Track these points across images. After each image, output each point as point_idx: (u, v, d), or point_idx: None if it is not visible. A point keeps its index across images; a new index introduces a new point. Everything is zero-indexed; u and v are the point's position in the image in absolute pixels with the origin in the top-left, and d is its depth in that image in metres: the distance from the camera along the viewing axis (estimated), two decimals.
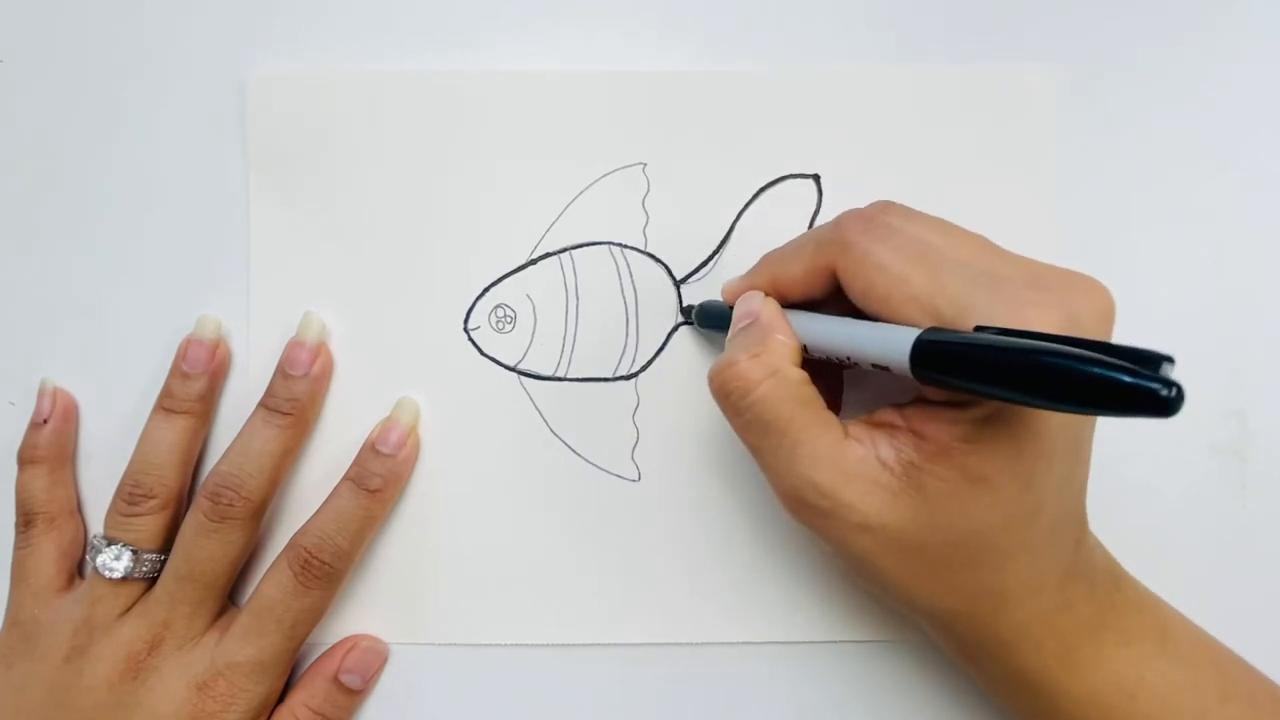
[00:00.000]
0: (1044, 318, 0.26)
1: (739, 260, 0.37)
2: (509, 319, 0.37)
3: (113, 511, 0.35)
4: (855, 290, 0.29)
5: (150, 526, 0.35)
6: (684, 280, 0.37)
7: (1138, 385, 0.21)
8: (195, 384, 0.36)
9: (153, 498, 0.35)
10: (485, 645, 0.37)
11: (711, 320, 0.36)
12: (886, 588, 0.29)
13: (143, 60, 0.38)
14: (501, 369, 0.37)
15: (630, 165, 0.37)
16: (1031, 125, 0.37)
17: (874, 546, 0.28)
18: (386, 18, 0.38)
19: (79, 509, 0.37)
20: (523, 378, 0.37)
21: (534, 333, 0.37)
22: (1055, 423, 0.27)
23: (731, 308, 0.33)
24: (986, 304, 0.27)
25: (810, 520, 0.29)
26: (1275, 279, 0.37)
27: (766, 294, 0.32)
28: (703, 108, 0.37)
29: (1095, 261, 0.37)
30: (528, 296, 0.37)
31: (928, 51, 0.38)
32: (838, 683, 0.37)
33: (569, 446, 0.37)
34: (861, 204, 0.31)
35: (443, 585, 0.37)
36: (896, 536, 0.28)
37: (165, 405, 0.36)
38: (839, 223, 0.30)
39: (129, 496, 0.35)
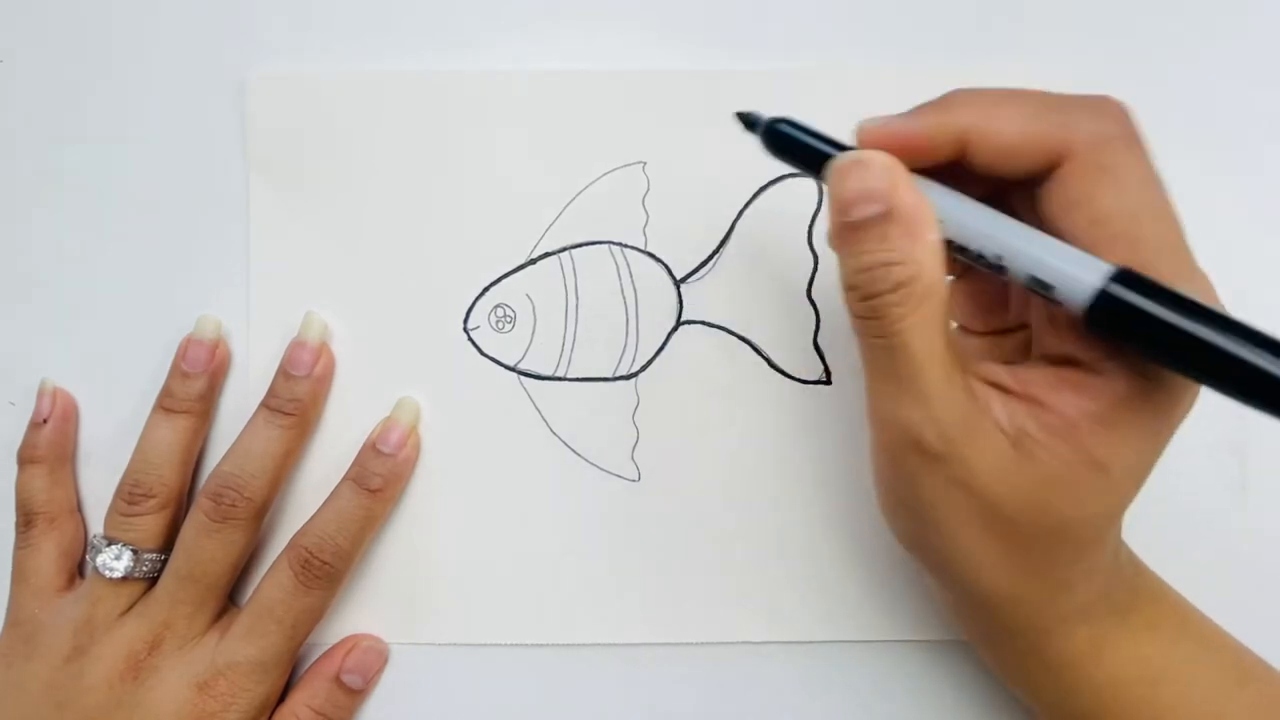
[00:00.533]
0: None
1: (739, 260, 0.37)
2: (509, 319, 0.37)
3: (113, 511, 0.35)
4: (1071, 194, 0.24)
5: (150, 526, 0.35)
6: (684, 280, 0.37)
7: None
8: (195, 384, 0.36)
9: (153, 497, 0.35)
10: (485, 645, 0.37)
11: (796, 152, 0.27)
12: (949, 556, 0.27)
13: (143, 60, 0.38)
14: (501, 369, 0.37)
15: (630, 164, 0.37)
16: None
17: (965, 508, 0.25)
18: (386, 18, 0.38)
19: (79, 509, 0.37)
20: (523, 378, 0.37)
21: (534, 332, 0.37)
22: (1186, 406, 0.25)
23: (828, 149, 0.26)
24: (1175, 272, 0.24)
25: (914, 464, 0.26)
26: (1276, 279, 0.37)
27: (944, 150, 0.25)
28: (703, 107, 0.37)
29: None
30: (528, 296, 0.37)
31: (929, 51, 0.38)
32: (838, 683, 0.37)
33: (569, 446, 0.37)
34: None
35: (443, 585, 0.37)
36: (994, 506, 0.25)
37: (165, 405, 0.36)
38: (1082, 105, 0.24)
39: (129, 496, 0.35)
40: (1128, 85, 0.37)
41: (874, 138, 0.25)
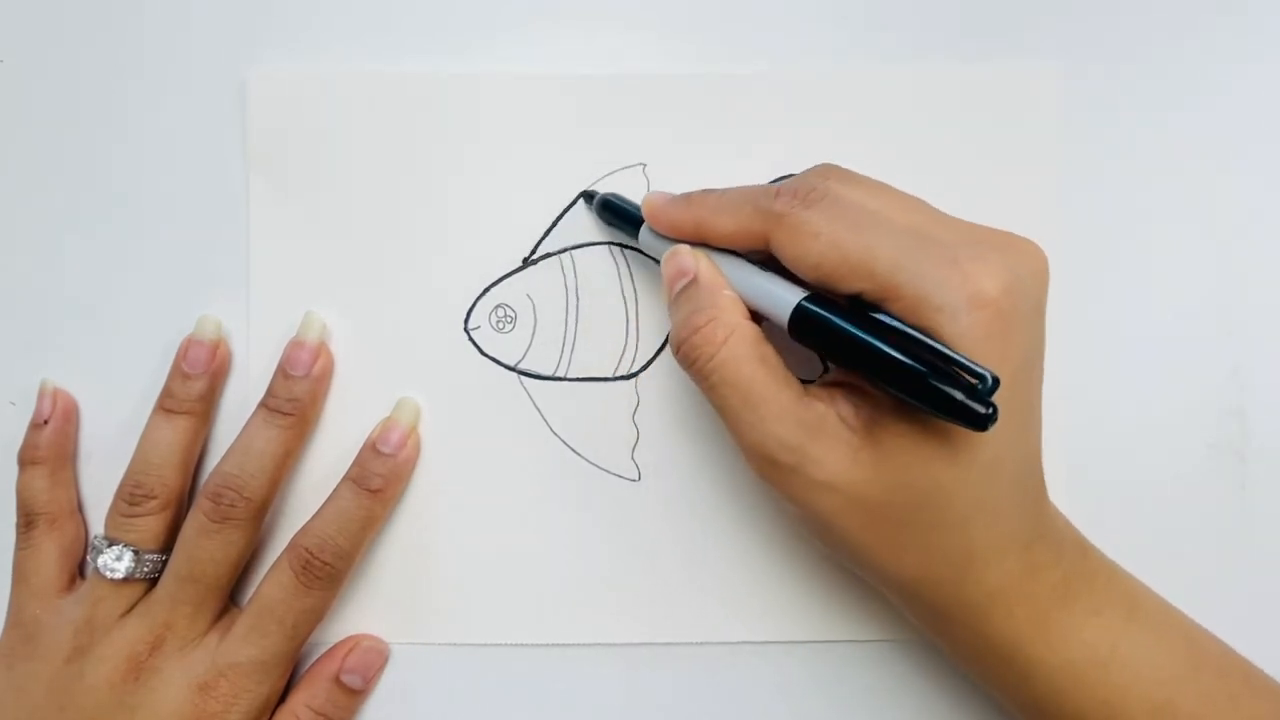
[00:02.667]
0: (986, 273, 0.27)
1: None
2: (509, 319, 0.37)
3: (114, 512, 0.35)
4: (788, 258, 0.29)
5: (151, 527, 0.35)
6: None
7: (965, 404, 0.25)
8: (196, 384, 0.36)
9: (154, 498, 0.35)
10: (485, 645, 0.37)
11: (615, 217, 0.36)
12: (853, 552, 0.30)
13: (143, 60, 0.38)
14: (502, 369, 0.37)
15: (630, 165, 0.37)
16: (1034, 124, 0.37)
17: (838, 505, 0.29)
18: (386, 18, 0.38)
19: (80, 509, 0.37)
20: (523, 378, 0.37)
21: (534, 333, 0.37)
22: (1003, 382, 0.27)
23: (640, 214, 0.34)
24: (920, 259, 0.27)
25: (776, 478, 0.29)
26: (1276, 278, 0.37)
27: (691, 234, 0.32)
28: (703, 108, 0.37)
29: (1097, 260, 0.37)
30: (528, 296, 0.37)
31: (929, 51, 0.38)
32: (838, 683, 0.37)
33: (569, 446, 0.37)
34: None
35: (443, 585, 0.37)
36: (859, 495, 0.28)
37: (166, 405, 0.36)
38: (779, 191, 0.30)
39: (130, 497, 0.35)
40: (1118, 84, 0.38)
41: (649, 206, 0.34)
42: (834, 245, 0.28)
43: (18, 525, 0.36)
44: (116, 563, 0.34)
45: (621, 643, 0.37)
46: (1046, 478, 0.31)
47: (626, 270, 0.37)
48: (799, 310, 0.29)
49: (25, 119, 0.38)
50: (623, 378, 0.37)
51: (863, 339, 0.27)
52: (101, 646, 0.34)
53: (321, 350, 0.37)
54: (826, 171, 0.31)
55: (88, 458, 0.38)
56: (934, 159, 0.37)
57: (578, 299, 0.37)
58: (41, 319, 0.38)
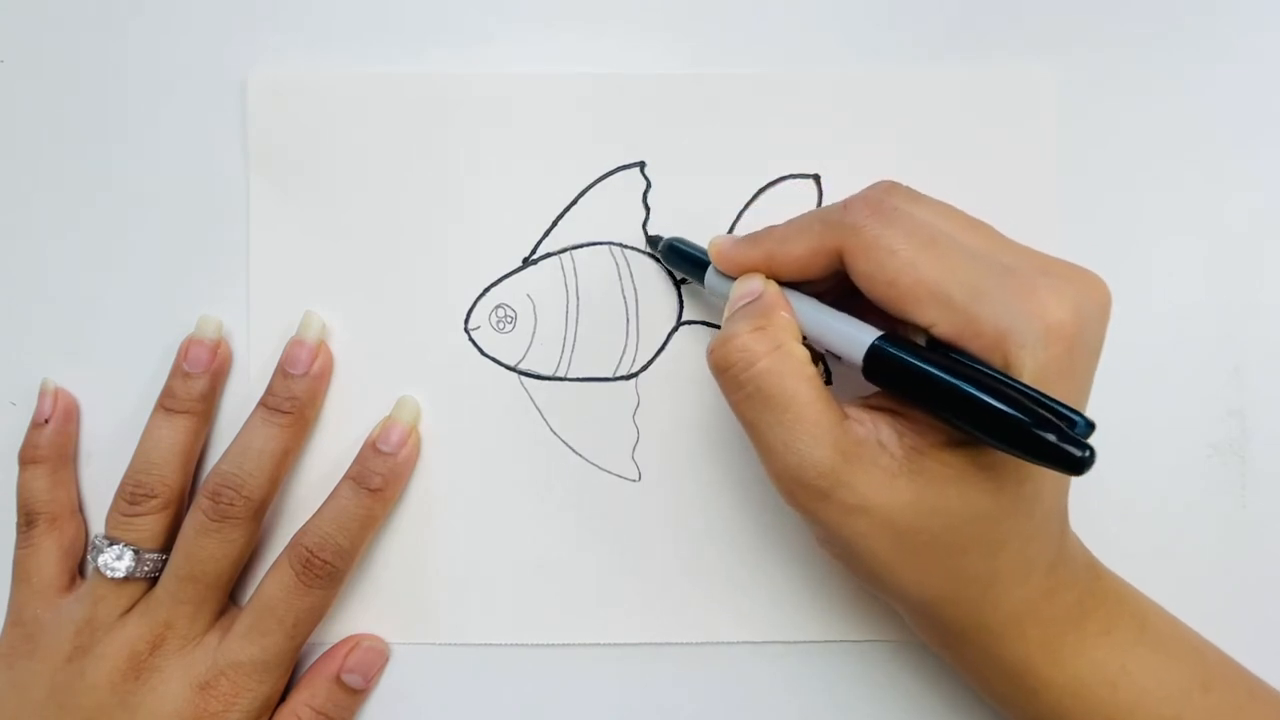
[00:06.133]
0: (1061, 305, 0.27)
1: None
2: (509, 319, 0.37)
3: (114, 511, 0.35)
4: (862, 273, 0.28)
5: (152, 526, 0.35)
6: (684, 280, 0.37)
7: (1059, 446, 0.24)
8: (197, 383, 0.36)
9: (154, 497, 0.35)
10: (485, 645, 0.37)
11: (681, 260, 0.35)
12: (875, 572, 0.29)
13: (143, 60, 0.38)
14: (502, 369, 0.37)
15: (630, 165, 0.37)
16: (1032, 125, 0.37)
17: (868, 529, 0.28)
18: (386, 18, 0.38)
19: (80, 509, 0.37)
20: (523, 378, 0.37)
21: (534, 333, 0.37)
22: None
23: (706, 257, 0.33)
24: (998, 289, 0.27)
25: (806, 501, 0.29)
26: (1275, 278, 0.37)
27: (762, 270, 0.32)
28: (703, 108, 0.37)
29: (1096, 261, 0.37)
30: (528, 296, 0.37)
31: (927, 53, 0.38)
32: (838, 683, 0.37)
33: (569, 446, 0.37)
34: None
35: (443, 585, 0.37)
36: (892, 519, 0.28)
37: (166, 405, 0.36)
38: (847, 205, 0.30)
39: (130, 496, 0.35)
40: (1116, 85, 0.38)
41: (715, 249, 0.33)
42: (910, 264, 0.27)
43: (18, 525, 0.36)
44: (117, 562, 0.34)
45: (621, 643, 0.37)
46: None
47: (626, 270, 0.37)
48: (874, 349, 0.28)
49: (25, 119, 0.38)
50: (623, 378, 0.37)
51: (948, 381, 0.26)
52: (102, 645, 0.34)
53: (321, 349, 0.37)
54: (892, 188, 0.30)
55: (88, 458, 0.38)
56: (932, 161, 0.37)
57: (578, 299, 0.37)
58: (41, 319, 0.38)
